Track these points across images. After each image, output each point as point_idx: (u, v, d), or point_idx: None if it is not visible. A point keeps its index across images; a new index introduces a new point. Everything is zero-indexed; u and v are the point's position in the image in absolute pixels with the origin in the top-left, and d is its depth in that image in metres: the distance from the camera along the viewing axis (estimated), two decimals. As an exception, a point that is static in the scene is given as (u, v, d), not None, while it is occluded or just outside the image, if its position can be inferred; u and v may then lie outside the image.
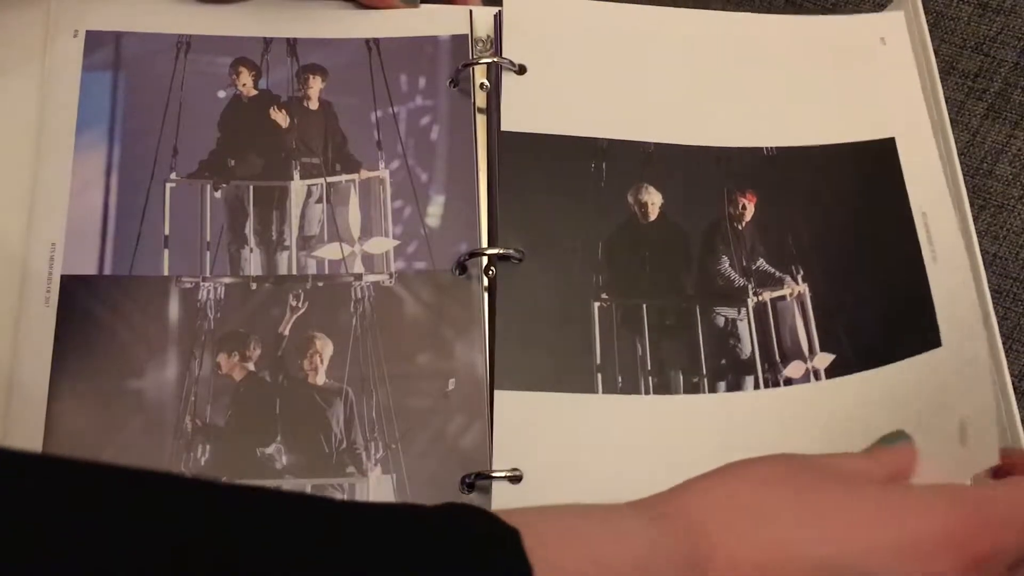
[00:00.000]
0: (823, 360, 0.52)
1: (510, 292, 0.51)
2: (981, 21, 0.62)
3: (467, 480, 0.48)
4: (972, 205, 0.58)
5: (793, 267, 0.54)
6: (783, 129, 0.56)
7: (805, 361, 0.52)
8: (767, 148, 0.55)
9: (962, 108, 0.60)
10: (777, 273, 0.53)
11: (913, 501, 0.42)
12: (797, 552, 0.39)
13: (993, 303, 0.53)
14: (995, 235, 0.57)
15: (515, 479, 0.48)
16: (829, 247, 0.54)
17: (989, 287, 0.54)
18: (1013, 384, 0.52)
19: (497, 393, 0.49)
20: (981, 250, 0.55)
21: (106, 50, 0.54)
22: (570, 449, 0.49)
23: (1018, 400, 0.51)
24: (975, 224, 0.59)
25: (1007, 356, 0.54)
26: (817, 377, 0.52)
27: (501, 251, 0.52)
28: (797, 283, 0.53)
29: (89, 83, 0.54)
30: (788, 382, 0.52)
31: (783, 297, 0.53)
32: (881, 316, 0.53)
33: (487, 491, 0.48)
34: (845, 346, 0.52)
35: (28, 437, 0.47)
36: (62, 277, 0.50)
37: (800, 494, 0.41)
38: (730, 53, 0.58)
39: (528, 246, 0.52)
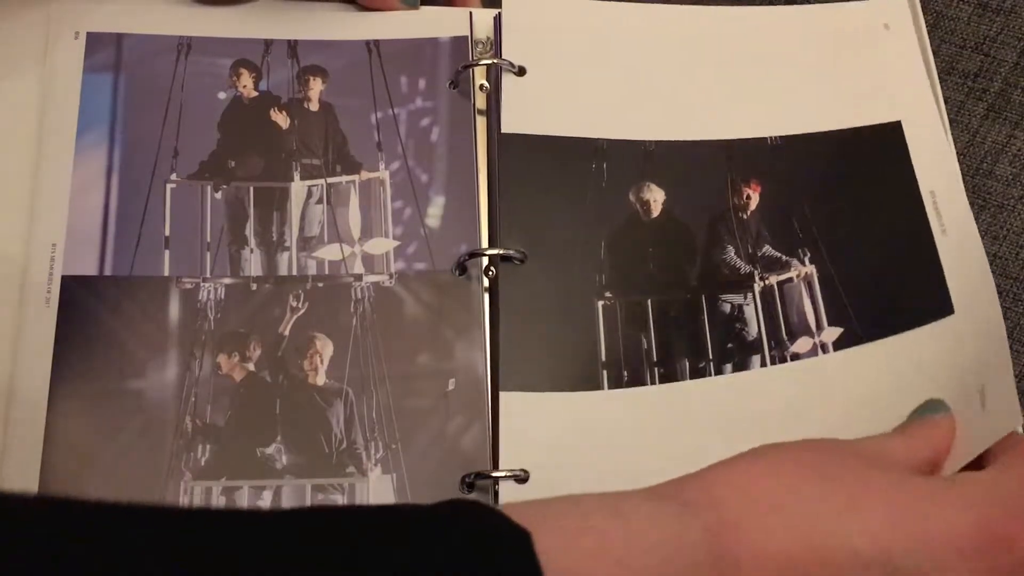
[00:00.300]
0: (831, 334, 0.52)
1: (512, 293, 0.51)
2: (981, 21, 0.62)
3: (467, 480, 0.48)
4: (972, 205, 0.58)
5: (800, 250, 0.54)
6: (787, 118, 0.56)
7: (812, 336, 0.52)
8: (771, 138, 0.55)
9: (962, 108, 0.60)
10: (784, 257, 0.53)
11: (955, 495, 0.40)
12: (833, 544, 0.37)
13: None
14: (995, 235, 0.57)
15: (521, 479, 0.48)
16: (836, 228, 0.54)
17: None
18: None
19: (502, 395, 0.49)
20: (981, 250, 0.54)
21: (107, 52, 0.55)
22: (577, 446, 0.49)
23: (1018, 400, 0.51)
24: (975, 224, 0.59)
25: (1007, 356, 0.54)
26: (825, 350, 0.52)
27: (501, 252, 0.52)
28: (804, 264, 0.53)
29: (90, 84, 0.54)
30: (795, 357, 0.51)
31: (790, 279, 0.53)
32: (890, 287, 0.53)
33: (487, 491, 0.48)
34: (853, 319, 0.52)
35: (28, 438, 0.47)
36: (63, 278, 0.50)
37: (832, 482, 0.39)
38: (731, 47, 0.58)
39: (529, 247, 0.52)
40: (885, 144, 0.56)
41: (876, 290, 0.53)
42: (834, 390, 0.51)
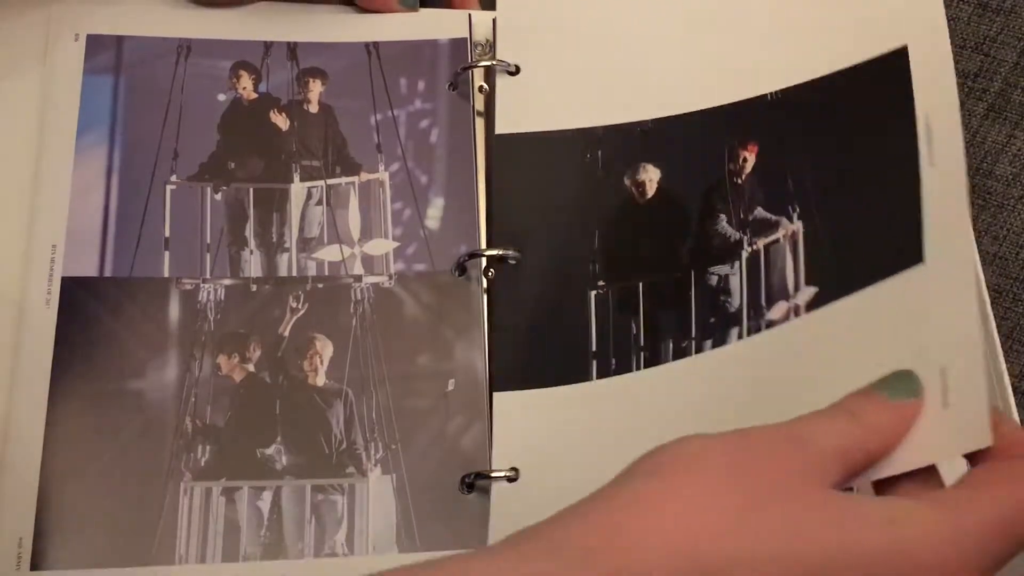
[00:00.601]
0: (806, 295, 0.48)
1: (507, 294, 0.51)
2: (981, 21, 0.62)
3: (467, 480, 0.48)
4: (972, 205, 0.58)
5: (790, 207, 0.50)
6: (786, 68, 0.52)
7: (788, 299, 0.48)
8: (771, 93, 0.52)
9: (962, 108, 0.60)
10: (773, 217, 0.50)
11: (915, 521, 0.34)
12: None
13: (993, 303, 0.53)
14: (995, 235, 0.57)
15: (512, 478, 0.48)
16: (828, 175, 0.50)
17: (989, 287, 0.54)
18: (1013, 385, 0.51)
19: (496, 395, 0.49)
20: (981, 250, 0.54)
21: (107, 54, 0.55)
22: (566, 441, 0.48)
23: (1017, 401, 0.51)
24: (975, 224, 0.59)
25: (1007, 356, 0.54)
26: (797, 314, 0.48)
27: (500, 252, 0.52)
28: (792, 222, 0.50)
29: (90, 86, 0.54)
30: (771, 324, 0.48)
31: (776, 240, 0.50)
32: (867, 233, 0.47)
33: (486, 491, 0.48)
34: (829, 275, 0.47)
35: (28, 439, 0.47)
36: (63, 279, 0.50)
37: (778, 507, 0.34)
38: (725, 4, 0.55)
39: (525, 247, 0.52)
40: (887, 76, 0.50)
41: (855, 237, 0.48)
42: (800, 359, 0.46)
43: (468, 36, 0.57)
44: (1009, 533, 0.35)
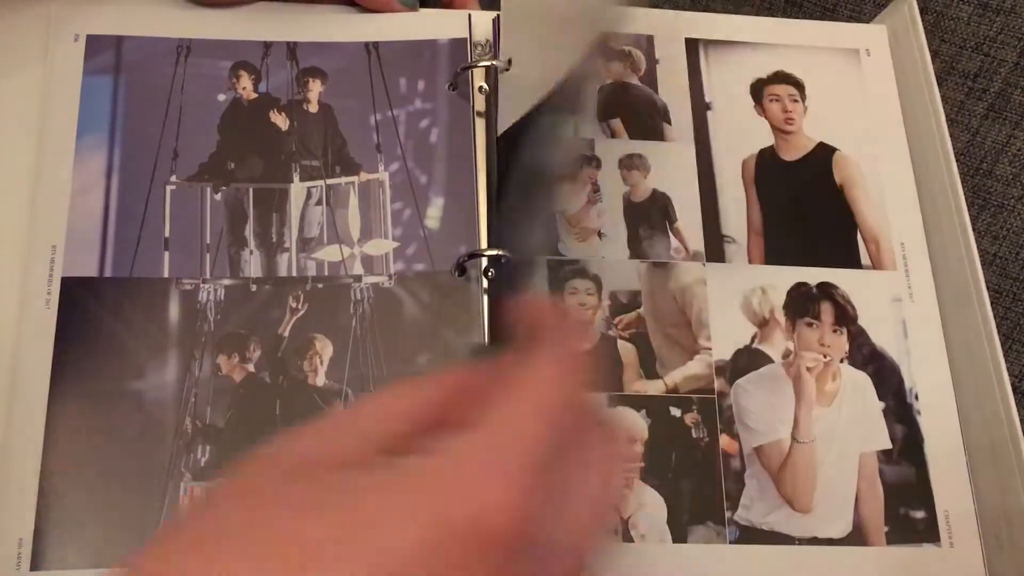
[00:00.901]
0: None
1: (496, 293, 0.51)
2: (981, 21, 0.62)
3: (466, 480, 0.48)
4: (972, 205, 0.58)
5: None
6: None
7: None
8: None
9: (962, 108, 0.60)
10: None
11: (402, 492, 0.27)
12: None
13: (993, 303, 0.53)
14: (995, 235, 0.57)
15: None
16: None
17: (989, 287, 0.54)
18: (1013, 385, 0.52)
19: None
20: (981, 250, 0.54)
21: (107, 54, 0.55)
22: None
23: (1017, 401, 0.51)
24: (975, 224, 0.59)
25: (1007, 356, 0.54)
26: None
27: (499, 253, 0.52)
28: None
29: (90, 87, 0.54)
30: None
31: None
32: None
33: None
34: None
35: (29, 438, 0.47)
36: (63, 279, 0.50)
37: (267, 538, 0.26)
38: None
39: (517, 244, 0.52)
40: None
41: None
42: None
43: (468, 36, 0.57)
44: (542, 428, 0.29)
